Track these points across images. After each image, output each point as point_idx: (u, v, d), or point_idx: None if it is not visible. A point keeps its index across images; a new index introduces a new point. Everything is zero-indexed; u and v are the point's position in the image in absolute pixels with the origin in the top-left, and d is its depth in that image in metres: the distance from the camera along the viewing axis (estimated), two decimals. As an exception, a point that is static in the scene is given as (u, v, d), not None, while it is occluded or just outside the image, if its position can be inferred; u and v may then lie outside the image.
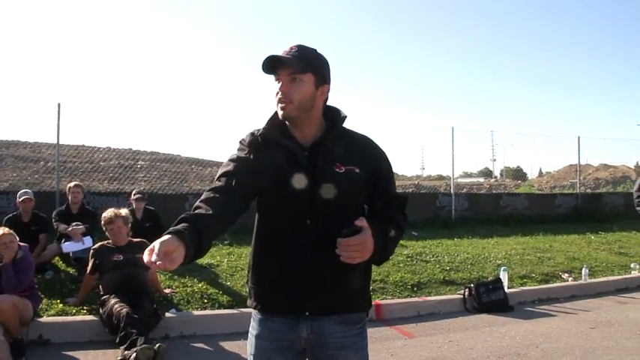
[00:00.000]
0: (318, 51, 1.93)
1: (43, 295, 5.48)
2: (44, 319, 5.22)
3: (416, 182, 20.07)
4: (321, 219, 1.84)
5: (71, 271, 6.63)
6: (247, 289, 2.04)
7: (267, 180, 1.86)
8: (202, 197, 1.80)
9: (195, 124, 15.95)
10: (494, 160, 30.84)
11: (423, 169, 26.70)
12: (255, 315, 2.00)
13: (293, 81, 1.84)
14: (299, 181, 1.84)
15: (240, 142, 1.96)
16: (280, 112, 1.87)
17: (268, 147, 1.88)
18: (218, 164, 16.69)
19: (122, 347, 4.59)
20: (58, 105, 9.70)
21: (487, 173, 34.91)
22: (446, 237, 10.56)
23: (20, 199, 6.83)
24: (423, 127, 17.48)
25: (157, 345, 4.55)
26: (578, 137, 15.39)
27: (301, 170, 1.85)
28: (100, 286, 5.34)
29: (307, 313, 1.88)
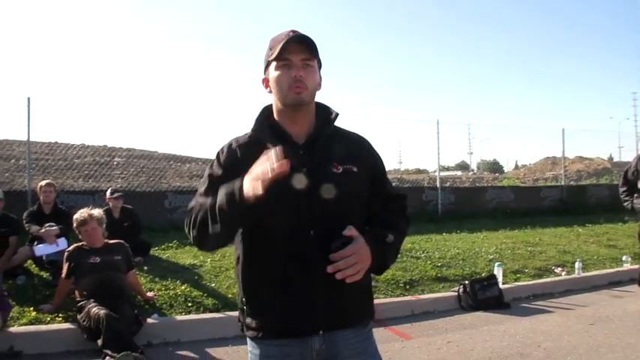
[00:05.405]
0: None
1: (13, 303, 5.12)
2: (15, 328, 4.85)
3: (398, 176, 19.96)
4: (327, 227, 1.61)
5: (45, 275, 6.27)
6: (241, 318, 1.81)
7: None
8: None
9: (172, 119, 15.59)
10: (472, 153, 31.10)
11: (401, 162, 26.79)
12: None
13: (306, 66, 1.69)
14: (296, 183, 1.61)
15: (217, 156, 1.74)
16: (293, 97, 1.67)
17: (254, 153, 1.56)
18: (197, 160, 16.46)
19: (108, 351, 4.30)
20: (28, 99, 9.43)
21: (464, 167, 35.11)
22: (434, 232, 10.38)
23: (-12, 200, 6.40)
24: (405, 121, 17.47)
25: (133, 356, 4.25)
26: (563, 129, 15.44)
27: (296, 173, 1.61)
28: (76, 291, 4.99)
29: (321, 332, 1.72)
